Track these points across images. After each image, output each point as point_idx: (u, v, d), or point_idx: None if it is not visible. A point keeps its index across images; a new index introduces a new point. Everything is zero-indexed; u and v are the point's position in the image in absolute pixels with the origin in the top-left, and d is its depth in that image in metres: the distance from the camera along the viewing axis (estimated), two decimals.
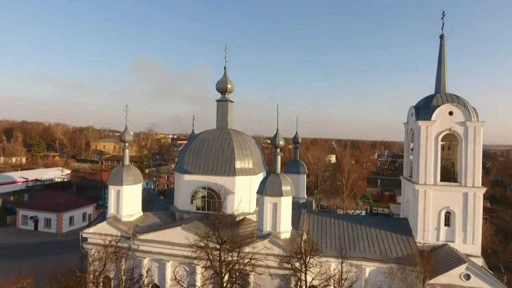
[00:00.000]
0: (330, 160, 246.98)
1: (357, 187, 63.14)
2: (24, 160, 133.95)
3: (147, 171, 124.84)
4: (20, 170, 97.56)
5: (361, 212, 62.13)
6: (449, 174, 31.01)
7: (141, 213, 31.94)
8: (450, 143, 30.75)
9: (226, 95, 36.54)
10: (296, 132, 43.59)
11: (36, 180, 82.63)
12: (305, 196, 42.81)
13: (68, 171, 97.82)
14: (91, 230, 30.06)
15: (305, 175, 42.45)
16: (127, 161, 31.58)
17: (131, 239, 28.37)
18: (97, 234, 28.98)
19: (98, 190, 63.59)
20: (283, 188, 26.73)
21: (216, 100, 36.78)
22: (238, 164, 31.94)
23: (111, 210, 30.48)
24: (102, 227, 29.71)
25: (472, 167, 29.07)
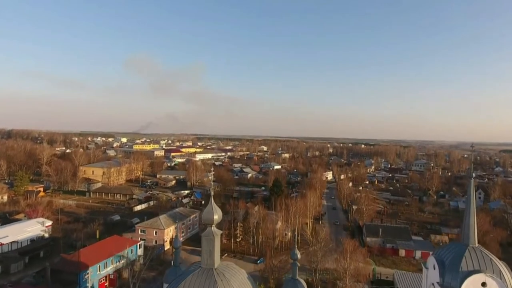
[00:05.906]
0: (327, 178, 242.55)
1: (360, 271, 57.98)
2: (5, 197, 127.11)
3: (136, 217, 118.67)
4: None
5: None
6: None
7: None
8: None
9: (212, 228, 31.25)
10: (295, 246, 38.45)
11: (13, 242, 76.42)
12: None
13: (49, 223, 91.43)
14: None
15: None
16: None
17: None
18: None
19: (75, 274, 57.69)
20: None
21: (202, 235, 31.52)
22: None
23: None
24: None
25: None
